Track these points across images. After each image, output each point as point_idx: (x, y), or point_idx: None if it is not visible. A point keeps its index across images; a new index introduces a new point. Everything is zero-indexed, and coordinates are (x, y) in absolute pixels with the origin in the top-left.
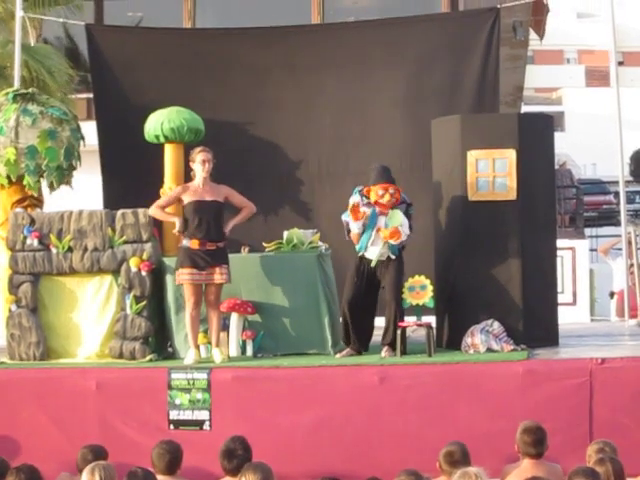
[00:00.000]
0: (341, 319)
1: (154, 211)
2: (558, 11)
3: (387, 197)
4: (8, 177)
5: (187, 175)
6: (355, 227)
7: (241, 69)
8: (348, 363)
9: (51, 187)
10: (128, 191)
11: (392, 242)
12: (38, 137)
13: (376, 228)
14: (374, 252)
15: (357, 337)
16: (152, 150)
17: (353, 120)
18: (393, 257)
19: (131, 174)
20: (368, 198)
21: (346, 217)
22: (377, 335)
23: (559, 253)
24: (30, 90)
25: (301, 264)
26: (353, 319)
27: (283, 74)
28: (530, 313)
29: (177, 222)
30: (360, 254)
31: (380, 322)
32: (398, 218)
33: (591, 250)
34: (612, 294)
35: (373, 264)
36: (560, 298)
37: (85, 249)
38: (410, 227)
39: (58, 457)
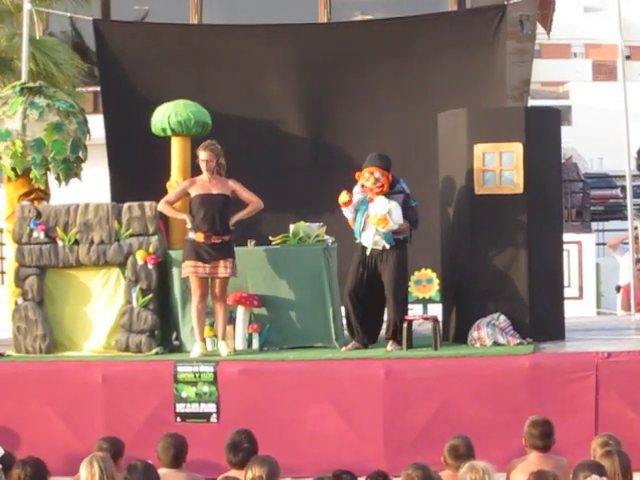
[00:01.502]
0: (344, 311)
1: (163, 207)
2: (565, 5)
3: (371, 181)
4: (14, 170)
5: (194, 168)
6: (348, 213)
7: (248, 64)
8: (354, 357)
9: (58, 180)
10: (135, 184)
11: (380, 229)
12: (45, 130)
13: (366, 214)
14: (367, 238)
15: (361, 329)
16: (159, 143)
17: (360, 115)
18: (388, 247)
19: (138, 167)
20: None
21: None
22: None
23: (565, 247)
24: (37, 83)
25: (307, 257)
26: (355, 311)
27: (290, 69)
28: (536, 307)
29: (187, 219)
30: (358, 242)
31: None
32: (384, 205)
33: (597, 244)
34: (618, 288)
35: (368, 252)
36: (566, 292)
37: (91, 242)
38: (416, 220)
39: (64, 450)
